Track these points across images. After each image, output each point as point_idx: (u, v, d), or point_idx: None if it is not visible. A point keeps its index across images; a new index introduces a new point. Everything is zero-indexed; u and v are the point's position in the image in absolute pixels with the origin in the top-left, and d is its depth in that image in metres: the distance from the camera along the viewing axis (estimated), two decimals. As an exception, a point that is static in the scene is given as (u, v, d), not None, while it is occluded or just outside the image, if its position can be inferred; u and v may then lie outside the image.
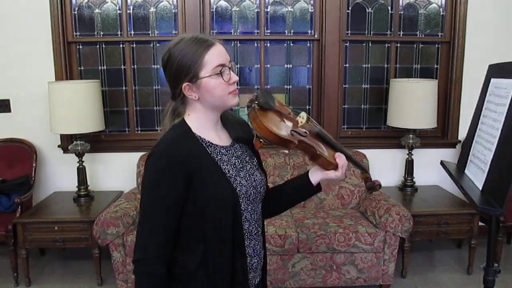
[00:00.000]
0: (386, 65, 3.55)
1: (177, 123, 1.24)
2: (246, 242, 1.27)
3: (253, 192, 1.27)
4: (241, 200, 1.23)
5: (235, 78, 1.20)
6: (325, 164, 1.32)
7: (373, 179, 1.42)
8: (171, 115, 1.28)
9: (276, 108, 1.29)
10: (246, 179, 1.26)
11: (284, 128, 1.25)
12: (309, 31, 3.46)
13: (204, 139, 1.23)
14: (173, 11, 3.38)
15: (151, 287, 1.17)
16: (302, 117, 1.34)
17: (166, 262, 1.19)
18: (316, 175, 1.35)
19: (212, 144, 1.23)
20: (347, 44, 3.49)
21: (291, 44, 3.50)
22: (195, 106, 1.23)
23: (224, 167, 1.22)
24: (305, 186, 1.36)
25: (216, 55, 1.17)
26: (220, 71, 1.17)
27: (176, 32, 3.38)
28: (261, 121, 1.20)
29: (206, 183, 1.17)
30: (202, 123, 1.24)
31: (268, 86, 3.54)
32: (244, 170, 1.27)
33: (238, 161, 1.27)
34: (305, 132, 1.31)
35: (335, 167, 1.32)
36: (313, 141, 1.31)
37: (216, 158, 1.22)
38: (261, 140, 1.24)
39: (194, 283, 1.22)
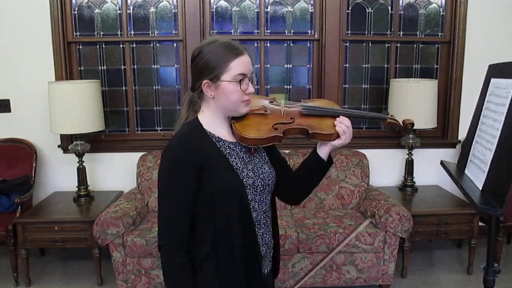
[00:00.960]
0: (386, 65, 3.55)
1: (190, 121, 1.34)
2: (256, 230, 1.33)
3: (261, 183, 1.34)
4: (248, 191, 1.30)
5: (251, 89, 1.29)
6: (323, 137, 1.34)
7: (398, 121, 1.40)
8: (187, 106, 1.37)
9: (252, 112, 1.34)
10: (254, 171, 1.33)
11: (264, 128, 1.32)
12: (309, 31, 3.46)
13: (214, 134, 1.31)
14: (173, 11, 3.38)
15: (174, 276, 1.25)
16: (282, 105, 1.38)
17: (187, 248, 1.27)
18: (322, 150, 1.40)
19: (222, 139, 1.32)
20: (347, 44, 3.49)
21: (291, 44, 3.50)
22: (209, 104, 1.31)
23: (232, 160, 1.30)
24: (316, 163, 1.41)
25: (242, 64, 1.26)
26: (240, 79, 1.26)
27: (176, 32, 3.38)
28: (240, 133, 1.29)
29: (215, 174, 1.25)
30: (214, 120, 1.33)
31: (268, 86, 3.54)
32: (252, 163, 1.35)
33: (246, 156, 1.34)
34: (291, 118, 1.35)
35: (337, 135, 1.34)
36: (302, 122, 1.35)
37: (225, 152, 1.30)
38: (250, 147, 1.33)
39: (204, 271, 1.29)
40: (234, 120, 1.32)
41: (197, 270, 1.29)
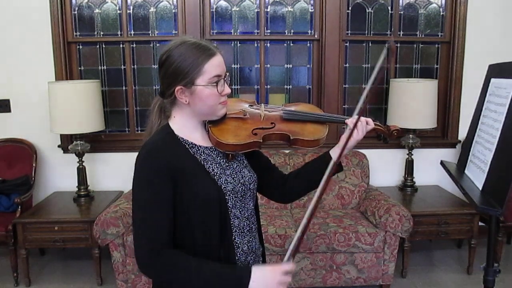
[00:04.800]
0: (386, 65, 3.54)
1: (160, 128, 1.26)
2: (238, 239, 1.28)
3: (241, 188, 1.28)
4: (227, 197, 1.23)
5: (228, 90, 1.23)
6: (306, 144, 1.28)
7: (383, 127, 1.35)
8: (157, 113, 1.29)
9: (230, 116, 1.28)
10: (233, 176, 1.27)
11: (243, 133, 1.25)
12: (309, 31, 3.46)
13: (187, 140, 1.25)
14: (173, 11, 3.38)
15: (182, 268, 1.15)
16: (262, 109, 1.33)
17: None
18: (336, 152, 1.33)
19: (196, 145, 1.25)
20: (347, 44, 3.49)
21: (291, 44, 3.50)
22: (182, 109, 1.24)
23: (208, 166, 1.24)
24: (326, 166, 1.33)
25: (216, 65, 1.19)
26: (216, 82, 1.19)
27: (176, 32, 3.38)
28: (217, 138, 1.22)
29: (190, 183, 1.19)
30: (187, 126, 1.26)
31: (268, 86, 3.54)
32: (231, 168, 1.28)
33: (223, 161, 1.28)
34: (272, 123, 1.29)
35: (317, 143, 1.29)
36: (283, 127, 1.29)
37: (200, 158, 1.24)
38: (228, 153, 1.26)
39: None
40: (211, 124, 1.25)
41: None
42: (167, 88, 1.21)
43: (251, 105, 1.36)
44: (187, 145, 1.24)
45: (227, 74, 1.24)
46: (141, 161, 1.18)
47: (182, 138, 1.24)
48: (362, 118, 1.32)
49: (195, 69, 1.17)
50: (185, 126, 1.25)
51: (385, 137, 1.40)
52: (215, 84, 1.19)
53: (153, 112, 1.29)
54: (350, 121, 1.32)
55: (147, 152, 1.19)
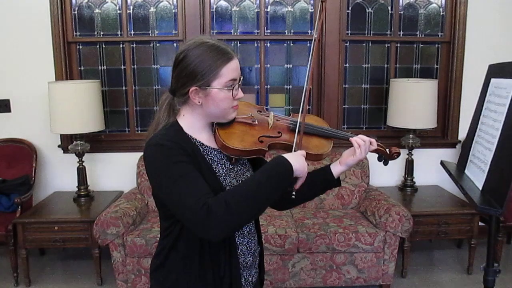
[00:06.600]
0: (386, 65, 3.55)
1: (169, 125, 1.24)
2: (238, 240, 1.29)
3: None
4: None
5: (241, 95, 1.24)
6: (309, 157, 1.29)
7: (385, 148, 1.38)
8: (166, 109, 1.28)
9: (238, 120, 1.28)
10: (237, 179, 1.28)
11: (249, 139, 1.25)
12: (309, 31, 3.46)
13: (196, 139, 1.25)
14: (173, 11, 3.38)
15: (232, 203, 1.06)
16: (271, 117, 1.33)
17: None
18: (336, 168, 1.38)
19: (204, 144, 1.25)
20: (347, 44, 3.49)
21: (291, 44, 3.50)
22: (194, 109, 1.24)
23: (214, 166, 1.24)
24: (325, 181, 1.38)
25: (233, 69, 1.20)
26: (232, 85, 1.20)
27: (176, 32, 3.38)
28: (223, 141, 1.22)
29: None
30: (196, 125, 1.25)
31: (268, 86, 3.54)
32: (235, 171, 1.29)
33: (228, 163, 1.28)
34: (278, 132, 1.30)
35: (320, 157, 1.30)
36: (289, 138, 1.30)
37: (207, 157, 1.24)
38: (232, 157, 1.26)
39: (186, 279, 1.24)
40: (218, 126, 1.25)
41: (181, 277, 1.24)
42: (181, 87, 1.21)
43: (259, 111, 1.36)
44: (196, 143, 1.23)
45: (241, 78, 1.24)
46: (154, 150, 1.15)
47: (191, 136, 1.24)
48: (366, 138, 1.35)
49: (213, 71, 1.17)
50: (193, 125, 1.25)
51: (385, 158, 1.43)
52: (230, 87, 1.20)
53: (161, 109, 1.28)
54: (354, 140, 1.35)
55: (160, 140, 1.15)
